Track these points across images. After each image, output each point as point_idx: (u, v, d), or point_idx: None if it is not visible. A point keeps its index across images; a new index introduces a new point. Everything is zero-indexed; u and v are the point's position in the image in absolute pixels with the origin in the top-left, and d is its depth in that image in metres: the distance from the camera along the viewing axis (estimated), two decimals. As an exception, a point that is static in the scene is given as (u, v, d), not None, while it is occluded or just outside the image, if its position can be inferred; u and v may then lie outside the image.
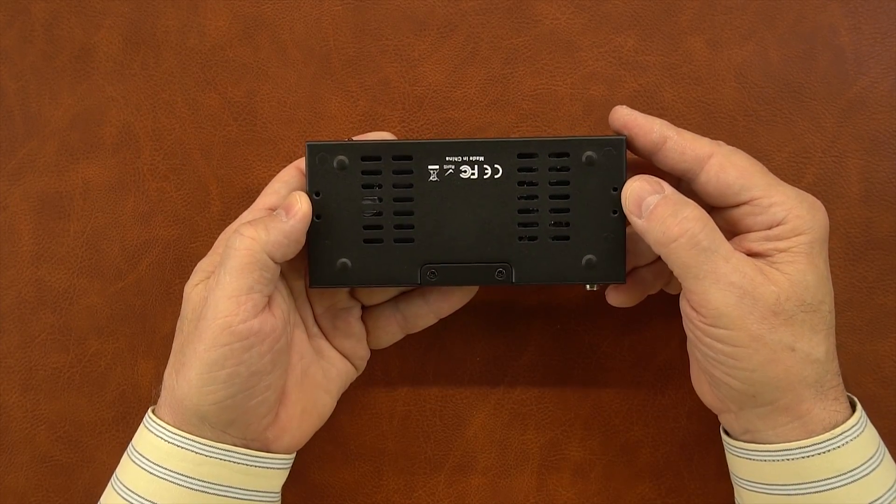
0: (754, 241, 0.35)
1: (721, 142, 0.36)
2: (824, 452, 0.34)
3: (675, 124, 0.43)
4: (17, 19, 0.44)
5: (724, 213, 0.36)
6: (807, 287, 0.34)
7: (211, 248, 0.39)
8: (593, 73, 0.43)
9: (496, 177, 0.36)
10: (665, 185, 0.36)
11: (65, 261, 0.44)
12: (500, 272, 0.37)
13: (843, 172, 0.43)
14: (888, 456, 0.36)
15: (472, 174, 0.36)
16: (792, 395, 0.34)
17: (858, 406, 0.36)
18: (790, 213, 0.34)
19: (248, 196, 0.43)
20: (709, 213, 0.37)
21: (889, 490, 0.34)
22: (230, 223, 0.39)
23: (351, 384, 0.44)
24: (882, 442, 0.36)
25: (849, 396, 0.36)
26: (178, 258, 0.44)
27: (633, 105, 0.43)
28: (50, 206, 0.44)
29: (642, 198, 0.35)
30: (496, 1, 0.43)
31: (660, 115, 0.43)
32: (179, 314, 0.37)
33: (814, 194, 0.36)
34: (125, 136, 0.44)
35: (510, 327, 0.44)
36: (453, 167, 0.36)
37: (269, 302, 0.36)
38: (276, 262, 0.35)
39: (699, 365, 0.36)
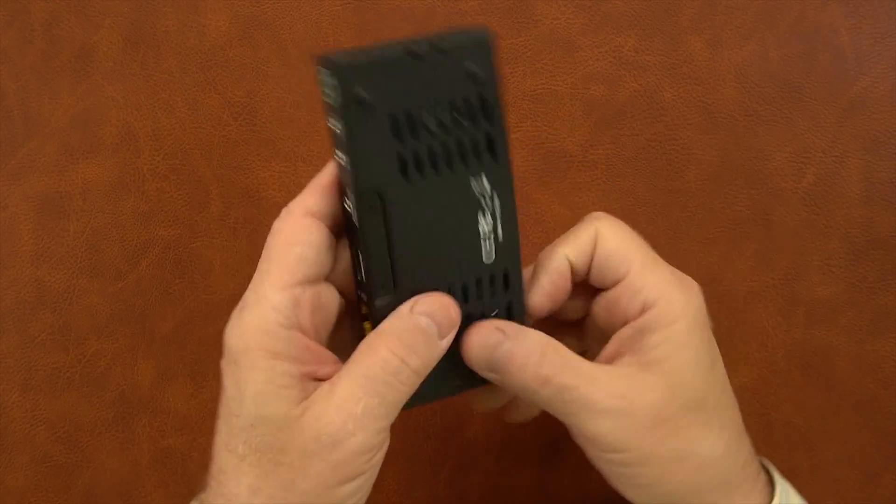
0: (626, 337, 0.31)
1: (598, 214, 0.33)
2: None
3: (675, 124, 0.43)
4: (17, 19, 0.44)
5: (606, 296, 0.32)
6: (685, 385, 0.30)
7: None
8: (593, 73, 0.43)
9: None
10: (503, 323, 0.31)
11: (65, 261, 0.44)
12: None
13: (844, 172, 0.43)
14: None
15: None
16: (698, 500, 0.31)
17: (776, 485, 0.32)
18: (661, 298, 0.30)
19: (248, 196, 0.43)
20: (594, 297, 0.33)
21: None
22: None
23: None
24: None
25: (765, 468, 0.34)
26: (177, 258, 0.44)
27: (633, 105, 0.43)
28: (50, 206, 0.44)
29: (490, 347, 0.30)
30: (496, 1, 0.43)
31: (660, 115, 0.43)
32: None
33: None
34: (125, 136, 0.44)
35: (510, 327, 0.44)
36: None
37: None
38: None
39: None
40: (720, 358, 0.32)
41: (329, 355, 0.29)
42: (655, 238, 0.43)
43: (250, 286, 0.29)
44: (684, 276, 0.32)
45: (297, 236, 0.29)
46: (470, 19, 0.43)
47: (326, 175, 0.30)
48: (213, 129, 0.44)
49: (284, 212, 0.30)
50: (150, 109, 0.44)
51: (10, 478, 0.45)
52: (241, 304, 0.29)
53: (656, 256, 0.32)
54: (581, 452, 0.44)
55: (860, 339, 0.43)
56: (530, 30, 0.43)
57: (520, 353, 0.30)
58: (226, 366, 0.28)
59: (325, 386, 0.28)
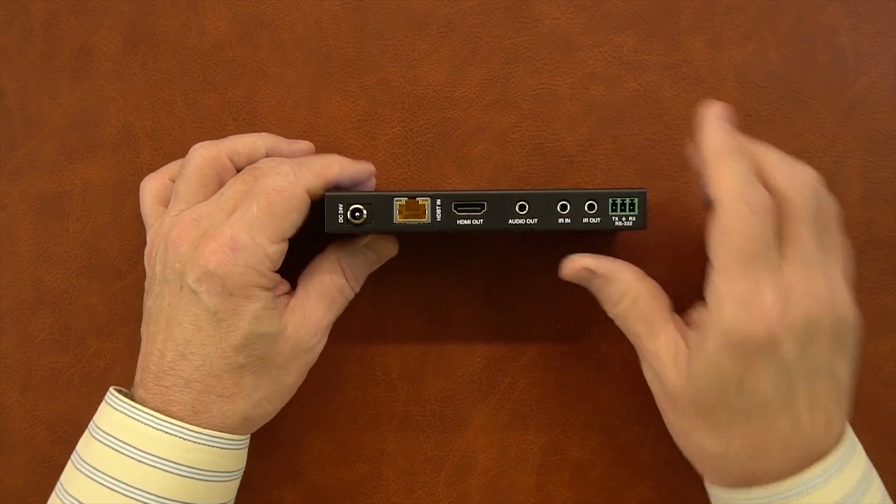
0: (696, 317, 0.35)
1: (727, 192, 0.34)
2: (804, 493, 0.33)
3: (675, 124, 0.43)
4: (17, 19, 0.44)
5: None
6: (698, 389, 0.34)
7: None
8: (593, 73, 0.43)
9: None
10: (596, 262, 0.37)
11: (64, 261, 0.44)
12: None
13: (844, 172, 0.43)
14: (874, 487, 0.34)
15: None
16: (702, 471, 0.36)
17: (839, 447, 0.34)
18: (709, 310, 0.33)
19: (247, 196, 0.43)
20: None
21: None
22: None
23: (351, 384, 0.44)
24: (869, 470, 0.34)
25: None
26: (177, 258, 0.44)
27: (633, 105, 0.43)
28: (49, 206, 0.44)
29: (582, 280, 0.38)
30: (496, 1, 0.43)
31: (660, 115, 0.43)
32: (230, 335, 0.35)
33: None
34: (125, 136, 0.44)
35: (510, 327, 0.44)
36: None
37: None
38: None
39: None
40: (765, 384, 0.33)
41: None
42: (655, 238, 0.43)
43: (242, 224, 0.34)
44: (755, 299, 0.32)
45: (296, 205, 0.35)
46: (470, 19, 0.43)
47: (334, 172, 0.37)
48: (213, 129, 0.44)
49: (292, 173, 0.35)
50: (150, 109, 0.44)
51: (9, 478, 0.44)
52: (232, 242, 0.34)
53: (734, 265, 0.32)
54: (580, 453, 0.44)
55: (860, 339, 0.43)
56: (530, 30, 0.43)
57: (605, 296, 0.37)
58: (216, 294, 0.34)
59: (296, 303, 0.37)
